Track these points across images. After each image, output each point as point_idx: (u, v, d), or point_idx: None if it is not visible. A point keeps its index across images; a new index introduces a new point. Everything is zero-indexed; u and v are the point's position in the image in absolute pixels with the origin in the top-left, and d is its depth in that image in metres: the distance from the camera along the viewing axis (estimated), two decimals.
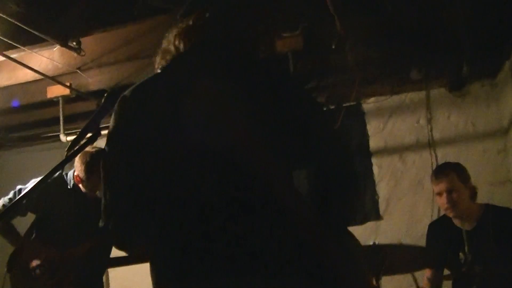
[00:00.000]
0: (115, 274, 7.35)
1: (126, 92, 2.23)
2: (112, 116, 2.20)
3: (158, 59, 2.36)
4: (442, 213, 5.93)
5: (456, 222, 4.61)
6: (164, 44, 2.35)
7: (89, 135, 2.27)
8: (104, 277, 6.32)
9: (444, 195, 4.51)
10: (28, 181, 4.67)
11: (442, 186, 4.53)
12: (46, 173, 2.29)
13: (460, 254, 4.14)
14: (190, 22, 2.30)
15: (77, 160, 4.82)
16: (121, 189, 2.15)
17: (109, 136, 2.20)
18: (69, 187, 4.92)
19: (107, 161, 2.20)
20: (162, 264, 2.14)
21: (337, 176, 2.21)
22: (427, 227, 4.99)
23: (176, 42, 2.29)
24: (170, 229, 2.11)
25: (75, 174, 4.84)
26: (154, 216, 2.14)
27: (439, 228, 4.83)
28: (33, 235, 4.92)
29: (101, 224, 2.16)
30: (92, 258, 4.84)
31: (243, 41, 2.32)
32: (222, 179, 2.08)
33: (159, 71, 2.33)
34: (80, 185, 4.83)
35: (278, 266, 2.04)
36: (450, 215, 4.58)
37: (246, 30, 2.35)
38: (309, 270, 2.07)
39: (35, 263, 4.71)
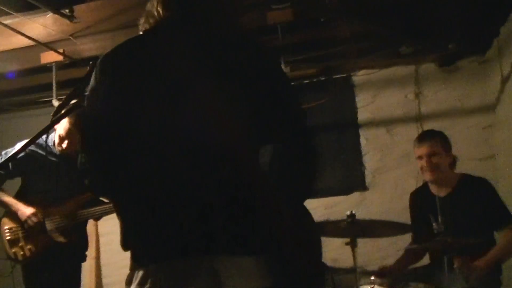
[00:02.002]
0: (105, 240, 7.44)
1: (108, 52, 2.28)
2: (93, 76, 2.25)
3: (142, 21, 2.41)
4: None
5: (432, 188, 4.76)
6: (148, 6, 2.40)
7: (73, 101, 2.35)
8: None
9: (425, 158, 4.65)
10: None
11: (423, 150, 4.68)
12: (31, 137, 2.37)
13: (434, 224, 4.24)
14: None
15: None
16: (97, 146, 2.24)
17: (89, 95, 2.26)
18: (51, 147, 4.98)
19: (86, 118, 2.29)
20: (130, 223, 2.22)
21: (297, 153, 2.27)
22: (409, 196, 5.12)
23: (159, 8, 2.34)
24: (140, 191, 2.17)
25: (58, 134, 4.90)
26: (127, 175, 2.20)
27: (419, 196, 4.98)
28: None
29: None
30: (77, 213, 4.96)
31: (222, 14, 2.40)
32: (193, 149, 2.13)
33: (141, 33, 2.39)
34: (63, 145, 4.88)
35: (234, 242, 2.11)
36: (427, 178, 4.73)
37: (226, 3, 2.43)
38: (263, 244, 2.15)
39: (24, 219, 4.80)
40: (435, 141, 4.66)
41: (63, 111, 2.33)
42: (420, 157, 4.71)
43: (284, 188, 2.24)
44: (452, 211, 4.44)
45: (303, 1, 5.07)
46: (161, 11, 2.34)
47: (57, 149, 4.95)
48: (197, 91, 2.16)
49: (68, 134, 4.85)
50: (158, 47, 2.27)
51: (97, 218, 5.16)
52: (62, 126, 4.81)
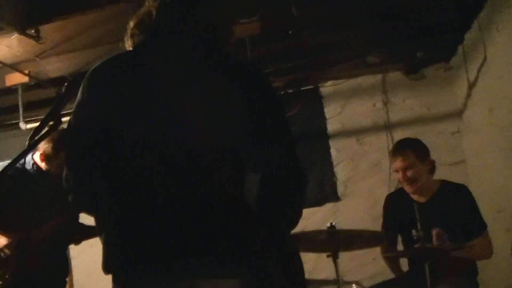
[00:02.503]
0: (78, 262, 7.35)
1: (96, 66, 2.27)
2: (80, 91, 2.24)
3: (126, 40, 2.39)
4: None
5: (413, 195, 4.71)
6: (128, 29, 2.38)
7: (50, 123, 2.31)
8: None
9: (400, 172, 4.62)
10: None
11: (397, 164, 4.64)
12: (8, 162, 2.33)
13: (413, 231, 4.24)
14: (150, 8, 2.34)
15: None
16: (82, 163, 2.23)
17: (75, 110, 2.25)
18: (31, 169, 4.91)
19: (72, 134, 2.27)
20: (112, 241, 2.18)
21: (284, 184, 2.24)
22: (385, 197, 5.12)
23: (135, 30, 2.34)
24: (123, 208, 2.15)
25: (40, 152, 4.83)
26: (111, 192, 2.19)
27: (396, 199, 4.95)
28: None
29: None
30: (57, 235, 4.89)
31: (202, 30, 2.35)
32: (177, 167, 2.12)
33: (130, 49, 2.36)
34: (44, 164, 4.81)
35: (219, 265, 2.08)
36: (409, 191, 4.69)
37: (207, 18, 2.37)
38: (248, 268, 2.12)
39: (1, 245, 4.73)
40: (407, 154, 4.60)
41: (41, 134, 2.29)
42: (396, 171, 4.69)
43: (272, 216, 2.22)
44: (431, 217, 4.44)
45: (270, 14, 5.06)
46: (137, 32, 2.33)
47: (43, 168, 4.89)
48: (189, 103, 2.15)
49: (55, 152, 4.80)
50: (147, 61, 2.26)
51: (76, 241, 5.09)
52: (48, 145, 4.75)
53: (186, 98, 2.16)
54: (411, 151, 4.63)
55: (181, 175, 2.12)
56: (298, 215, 2.31)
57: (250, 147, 2.22)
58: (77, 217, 5.10)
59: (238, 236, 2.10)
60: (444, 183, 4.75)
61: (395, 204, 4.91)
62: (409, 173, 4.57)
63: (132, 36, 2.36)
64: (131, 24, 2.37)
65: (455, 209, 4.54)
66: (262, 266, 2.13)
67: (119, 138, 2.16)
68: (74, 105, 2.24)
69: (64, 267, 5.21)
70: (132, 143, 2.15)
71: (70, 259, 7.28)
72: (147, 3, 2.38)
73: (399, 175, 4.64)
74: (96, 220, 2.31)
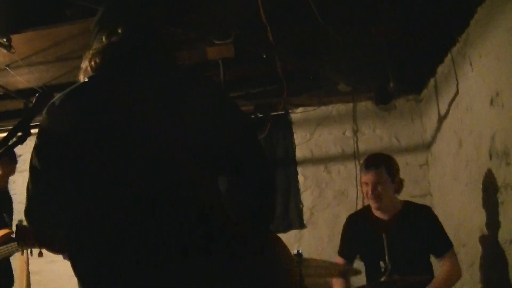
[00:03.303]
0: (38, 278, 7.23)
1: (59, 97, 2.28)
2: (44, 118, 2.26)
3: (81, 75, 2.41)
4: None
5: (376, 212, 4.72)
6: (83, 64, 2.40)
7: (19, 134, 2.27)
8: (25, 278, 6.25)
9: (370, 186, 4.61)
10: None
11: (369, 177, 4.62)
12: None
13: (381, 263, 4.22)
14: (104, 40, 2.37)
15: None
16: (43, 186, 2.23)
17: (39, 136, 2.26)
18: None
19: (34, 156, 2.25)
20: (84, 263, 2.17)
21: (257, 187, 2.28)
22: (346, 218, 5.09)
23: (92, 63, 2.35)
24: (89, 228, 2.15)
25: None
26: (72, 213, 2.18)
27: (357, 220, 4.94)
28: None
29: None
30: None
31: (157, 52, 2.42)
32: (147, 181, 2.13)
33: (86, 79, 2.36)
34: None
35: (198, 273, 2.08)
36: (374, 206, 4.69)
37: (157, 40, 2.46)
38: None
39: None
40: (380, 169, 4.61)
41: (8, 144, 2.24)
42: (365, 183, 4.67)
43: (244, 220, 2.23)
44: (394, 235, 4.42)
45: (245, 37, 5.06)
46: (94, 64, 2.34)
47: None
48: (170, 113, 2.20)
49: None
50: (107, 90, 2.28)
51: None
52: None
53: (174, 111, 2.21)
54: (384, 167, 4.65)
55: (176, 179, 2.15)
56: (270, 218, 2.36)
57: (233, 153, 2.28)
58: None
59: (238, 236, 2.13)
60: (408, 203, 4.79)
61: (357, 226, 4.90)
62: (379, 188, 4.58)
63: (87, 69, 2.37)
64: (89, 58, 2.38)
65: (419, 227, 4.57)
66: (262, 266, 2.16)
67: (83, 167, 2.17)
68: (37, 132, 2.26)
69: (7, 279, 5.16)
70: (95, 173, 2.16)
71: (29, 274, 7.17)
72: (104, 39, 2.38)
73: (367, 189, 4.64)
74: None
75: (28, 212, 2.26)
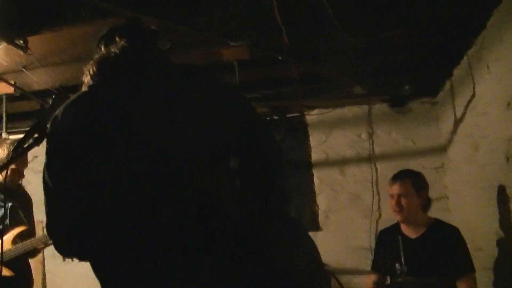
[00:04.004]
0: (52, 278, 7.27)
1: (57, 113, 2.29)
2: (47, 137, 2.29)
3: (85, 80, 2.45)
4: (380, 227, 6.08)
5: (404, 228, 4.73)
6: (84, 78, 2.44)
7: (35, 136, 2.30)
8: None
9: (395, 198, 4.65)
10: None
11: (394, 189, 4.68)
12: None
13: (397, 265, 4.23)
14: (103, 50, 2.43)
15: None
16: (56, 202, 2.25)
17: (46, 152, 2.27)
18: None
19: (45, 173, 2.27)
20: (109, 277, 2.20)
21: (264, 164, 2.30)
22: (378, 233, 5.10)
23: (91, 72, 2.39)
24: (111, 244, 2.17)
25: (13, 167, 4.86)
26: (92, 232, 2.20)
27: (386, 235, 4.95)
28: None
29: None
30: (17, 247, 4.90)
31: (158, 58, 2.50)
32: (147, 181, 2.15)
33: (87, 88, 2.40)
34: (1, 175, 4.80)
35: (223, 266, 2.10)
36: (397, 218, 4.71)
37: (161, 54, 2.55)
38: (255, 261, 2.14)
39: None
40: (406, 182, 4.66)
41: (25, 146, 2.27)
42: (391, 196, 4.71)
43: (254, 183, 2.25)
44: (418, 254, 4.42)
45: (260, 40, 5.05)
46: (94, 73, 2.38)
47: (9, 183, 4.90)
48: (176, 115, 2.21)
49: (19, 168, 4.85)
50: (105, 97, 2.31)
51: (32, 253, 5.08)
52: (6, 156, 4.74)
53: (171, 112, 2.22)
54: (410, 180, 4.70)
55: (178, 179, 2.15)
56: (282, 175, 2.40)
57: (237, 145, 2.28)
58: (34, 230, 5.14)
59: (238, 236, 2.12)
60: (437, 221, 4.76)
61: (386, 238, 4.91)
62: (403, 201, 4.61)
63: (88, 81, 2.41)
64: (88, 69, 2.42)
65: (443, 247, 4.54)
66: (262, 266, 2.13)
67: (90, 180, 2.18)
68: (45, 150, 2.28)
69: (27, 276, 5.21)
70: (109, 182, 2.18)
71: (45, 274, 7.22)
72: (103, 49, 2.44)
73: (392, 201, 4.67)
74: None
75: (47, 228, 2.29)
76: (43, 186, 2.27)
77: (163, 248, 2.10)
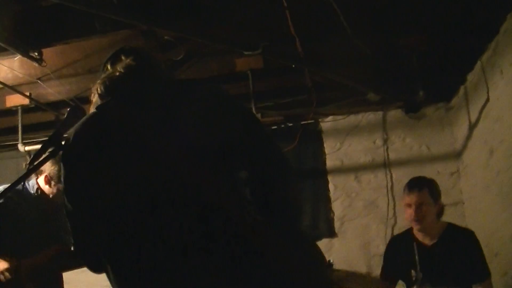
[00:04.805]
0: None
1: (68, 137, 2.35)
2: (62, 169, 2.37)
3: (94, 99, 2.51)
4: (395, 233, 6.05)
5: (418, 236, 4.67)
6: (93, 98, 2.51)
7: (51, 148, 2.33)
8: None
9: (413, 207, 4.57)
10: None
11: (412, 199, 4.59)
12: (7, 187, 2.34)
13: (412, 271, 4.21)
14: (109, 68, 2.49)
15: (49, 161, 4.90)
16: (78, 225, 2.34)
17: (63, 178, 2.36)
18: (33, 194, 4.89)
19: (64, 198, 2.35)
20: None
21: (269, 177, 2.29)
22: (389, 240, 5.06)
23: (99, 91, 2.43)
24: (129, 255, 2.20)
25: (45, 175, 4.82)
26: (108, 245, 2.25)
27: (399, 243, 4.89)
28: None
29: None
30: (57, 262, 4.90)
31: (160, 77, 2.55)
32: (147, 182, 2.19)
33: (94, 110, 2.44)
34: (48, 187, 4.79)
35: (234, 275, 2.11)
36: (416, 228, 4.64)
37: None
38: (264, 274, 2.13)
39: None
40: (424, 191, 4.59)
41: (41, 159, 2.30)
42: (408, 205, 4.64)
43: (272, 214, 2.25)
44: (434, 261, 4.40)
45: (273, 49, 5.07)
46: (102, 90, 2.43)
47: (46, 191, 4.88)
48: (179, 119, 2.27)
49: (59, 176, 4.83)
50: (113, 114, 2.35)
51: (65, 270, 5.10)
52: (54, 167, 4.73)
53: (173, 117, 2.26)
54: (427, 189, 4.63)
55: (178, 180, 2.18)
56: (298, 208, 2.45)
57: (239, 149, 2.29)
58: (70, 247, 5.13)
59: (238, 237, 2.13)
60: (451, 226, 4.71)
61: (399, 248, 4.84)
62: (423, 210, 4.55)
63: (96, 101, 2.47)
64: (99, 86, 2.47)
65: (459, 253, 4.50)
66: (262, 266, 2.13)
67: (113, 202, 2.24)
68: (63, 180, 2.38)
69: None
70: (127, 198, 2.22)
71: (63, 284, 7.25)
72: (109, 67, 2.50)
73: (410, 211, 4.60)
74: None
75: (76, 250, 2.39)
76: (65, 211, 2.34)
77: (163, 248, 2.13)
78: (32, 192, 4.86)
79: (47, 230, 4.86)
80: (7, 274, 4.68)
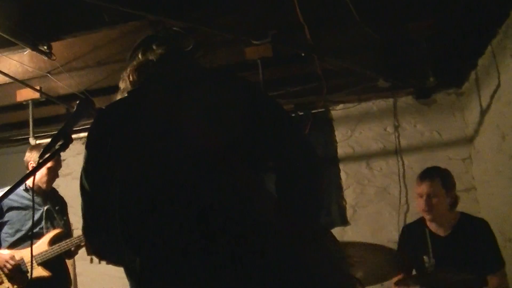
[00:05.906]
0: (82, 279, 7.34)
1: (104, 107, 2.40)
2: (86, 150, 2.36)
3: (122, 86, 2.55)
4: (408, 220, 6.03)
5: (431, 226, 4.62)
6: (121, 84, 2.55)
7: (61, 141, 2.33)
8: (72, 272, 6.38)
9: (424, 197, 4.51)
10: None
11: (424, 189, 4.53)
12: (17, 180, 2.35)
13: (425, 257, 4.19)
14: (140, 57, 2.53)
15: (33, 153, 5.23)
16: (93, 206, 2.34)
17: (85, 157, 2.36)
18: (23, 188, 5.07)
19: (83, 177, 2.35)
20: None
21: (301, 171, 2.30)
22: (401, 229, 5.03)
23: (131, 78, 2.49)
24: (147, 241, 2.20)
25: (31, 165, 5.01)
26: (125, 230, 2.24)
27: (412, 231, 4.83)
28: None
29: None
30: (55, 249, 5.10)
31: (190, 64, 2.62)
32: (147, 182, 2.21)
33: (126, 94, 2.49)
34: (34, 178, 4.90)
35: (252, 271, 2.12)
36: (427, 218, 4.60)
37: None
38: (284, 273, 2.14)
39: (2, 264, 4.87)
40: (436, 181, 4.52)
41: (51, 152, 2.30)
42: (420, 195, 4.58)
43: (294, 207, 2.27)
44: (448, 252, 4.37)
45: (283, 37, 5.06)
46: (135, 78, 2.49)
47: (42, 186, 5.04)
48: (188, 116, 2.28)
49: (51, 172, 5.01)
50: (144, 102, 2.39)
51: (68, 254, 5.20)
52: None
53: (186, 113, 2.28)
54: (439, 178, 4.56)
55: (183, 178, 2.20)
56: (320, 201, 2.45)
57: (254, 147, 2.29)
58: (71, 232, 5.28)
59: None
60: (464, 216, 4.64)
61: (412, 235, 4.79)
62: (433, 200, 4.49)
63: (126, 87, 2.52)
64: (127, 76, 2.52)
65: (474, 243, 4.46)
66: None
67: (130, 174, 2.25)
68: (86, 140, 2.39)
69: (65, 276, 5.36)
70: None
71: (76, 275, 7.29)
72: (140, 56, 2.54)
73: (421, 201, 4.55)
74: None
75: (84, 231, 2.40)
76: (80, 189, 2.34)
77: (163, 248, 2.14)
78: (22, 188, 5.06)
79: (41, 219, 5.05)
80: (11, 262, 4.85)
